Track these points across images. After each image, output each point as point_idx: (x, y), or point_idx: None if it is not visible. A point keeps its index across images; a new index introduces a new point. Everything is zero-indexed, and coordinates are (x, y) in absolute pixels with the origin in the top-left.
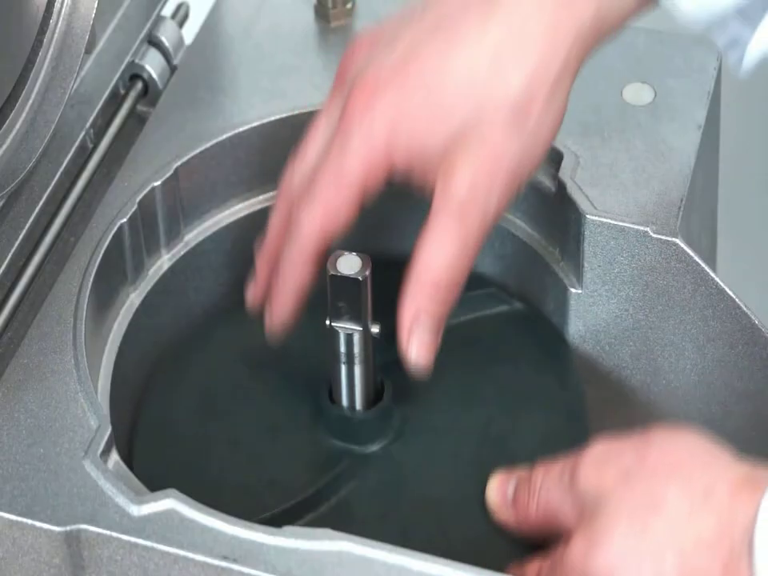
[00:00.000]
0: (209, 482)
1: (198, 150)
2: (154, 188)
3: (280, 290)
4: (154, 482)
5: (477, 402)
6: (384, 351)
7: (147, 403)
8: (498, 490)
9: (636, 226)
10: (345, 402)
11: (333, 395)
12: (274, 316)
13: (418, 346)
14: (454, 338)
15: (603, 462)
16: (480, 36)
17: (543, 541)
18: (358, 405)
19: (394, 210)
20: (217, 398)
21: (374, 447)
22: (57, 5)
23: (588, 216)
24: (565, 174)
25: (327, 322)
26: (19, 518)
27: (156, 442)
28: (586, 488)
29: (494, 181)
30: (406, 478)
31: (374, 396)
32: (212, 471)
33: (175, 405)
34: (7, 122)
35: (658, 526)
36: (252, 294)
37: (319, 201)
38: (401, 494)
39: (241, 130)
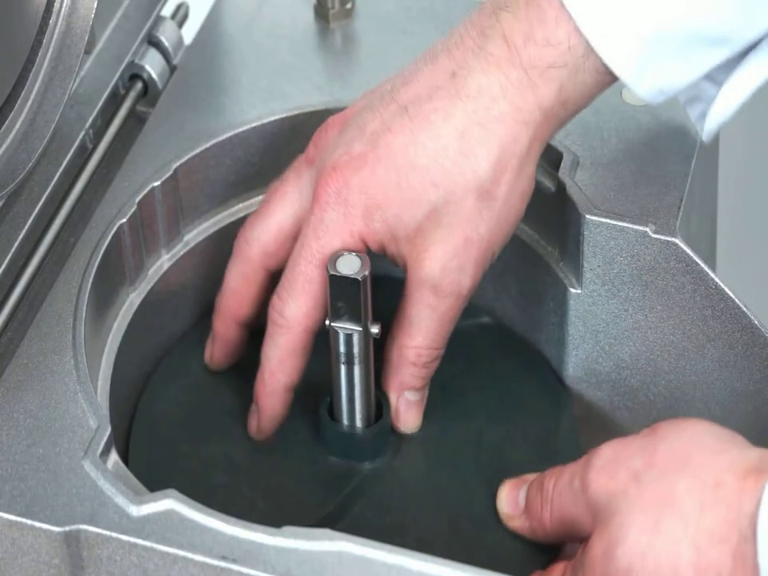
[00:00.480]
0: (204, 489)
1: (197, 150)
2: (153, 188)
3: (270, 390)
4: (148, 485)
5: (468, 411)
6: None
7: (144, 404)
8: (509, 498)
9: (635, 226)
10: (345, 404)
11: (333, 398)
12: (265, 418)
13: (405, 408)
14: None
15: (613, 464)
16: (446, 118)
17: (560, 542)
18: (358, 408)
19: None
20: (214, 400)
21: (375, 463)
22: (56, 5)
23: (587, 216)
24: (565, 174)
25: (327, 322)
26: (19, 518)
27: (151, 445)
28: (598, 492)
29: (466, 260)
30: (414, 491)
31: (375, 402)
32: (209, 481)
33: (172, 406)
34: (7, 122)
35: (672, 522)
36: (209, 353)
37: (305, 295)
38: (412, 508)
39: (241, 130)
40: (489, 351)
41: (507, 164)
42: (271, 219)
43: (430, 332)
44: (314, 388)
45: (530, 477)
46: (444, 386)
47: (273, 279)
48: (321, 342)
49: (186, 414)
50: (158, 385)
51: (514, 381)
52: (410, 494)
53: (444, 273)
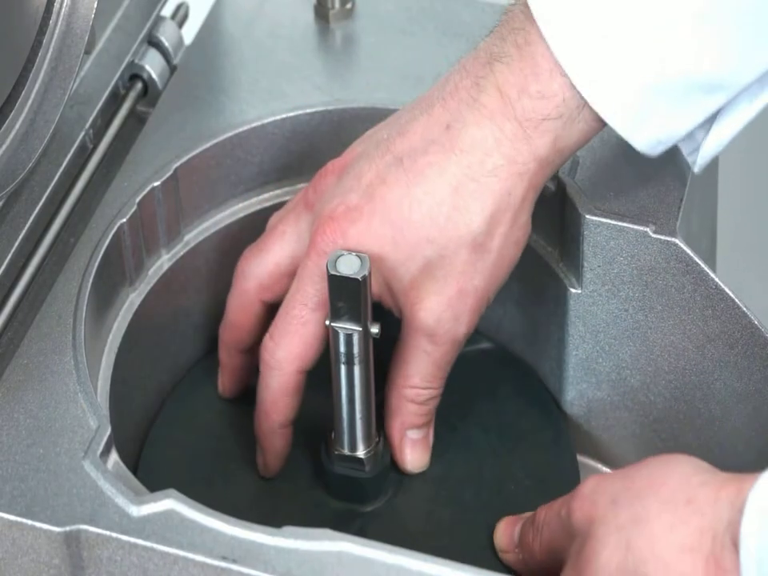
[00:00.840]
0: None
1: (197, 150)
2: (153, 188)
3: (267, 430)
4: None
5: (467, 445)
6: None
7: (156, 430)
8: (504, 533)
9: (635, 226)
10: (345, 406)
11: (333, 401)
12: (268, 456)
13: (411, 448)
14: None
15: (596, 492)
16: (441, 173)
17: (549, 573)
18: (358, 411)
19: None
20: (227, 429)
21: (377, 504)
22: (56, 5)
23: (587, 216)
24: (565, 173)
25: (327, 322)
26: (19, 519)
27: (158, 474)
28: (580, 519)
29: (461, 310)
30: (413, 530)
31: (375, 409)
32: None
33: (186, 432)
34: (7, 121)
35: (641, 541)
36: (220, 383)
37: (299, 337)
38: (411, 547)
39: (241, 130)
40: (487, 378)
41: (501, 217)
42: (268, 256)
43: (426, 374)
44: (316, 426)
45: (528, 515)
46: (442, 416)
47: (272, 310)
48: (325, 380)
49: (197, 443)
50: (173, 409)
51: (514, 412)
52: (411, 534)
53: (439, 323)
